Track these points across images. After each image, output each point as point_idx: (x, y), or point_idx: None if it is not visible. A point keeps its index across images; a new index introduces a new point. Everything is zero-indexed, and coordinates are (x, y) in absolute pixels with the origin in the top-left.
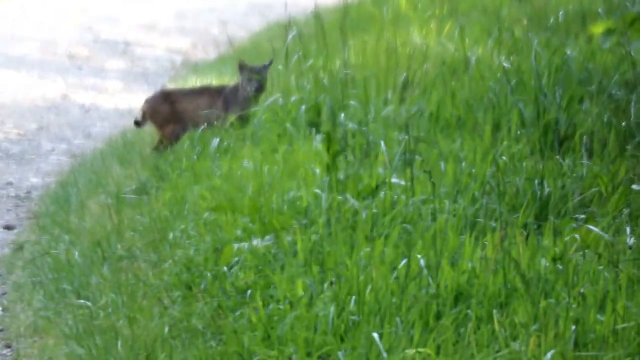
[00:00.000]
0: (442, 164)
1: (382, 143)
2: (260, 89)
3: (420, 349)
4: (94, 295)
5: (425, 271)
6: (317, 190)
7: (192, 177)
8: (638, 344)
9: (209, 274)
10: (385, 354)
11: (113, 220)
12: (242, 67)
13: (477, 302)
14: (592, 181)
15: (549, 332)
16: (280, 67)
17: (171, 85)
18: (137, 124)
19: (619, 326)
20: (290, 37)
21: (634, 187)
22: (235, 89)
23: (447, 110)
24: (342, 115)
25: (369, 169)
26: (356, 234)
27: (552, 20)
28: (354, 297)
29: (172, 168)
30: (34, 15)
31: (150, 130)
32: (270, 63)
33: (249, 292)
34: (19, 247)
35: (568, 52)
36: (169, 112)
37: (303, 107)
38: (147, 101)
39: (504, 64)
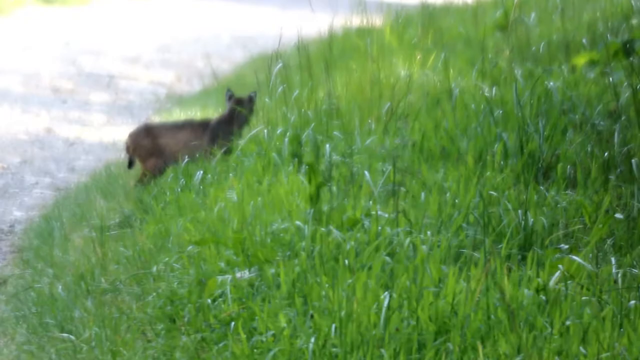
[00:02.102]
0: (427, 195)
1: (367, 174)
2: (246, 121)
3: None
4: (78, 328)
5: (407, 303)
6: (300, 223)
7: (176, 210)
8: None
9: (192, 307)
10: None
11: (97, 254)
12: (230, 98)
13: (460, 333)
14: (575, 211)
15: None
16: (266, 100)
17: (155, 118)
18: (130, 164)
19: (603, 355)
20: (276, 69)
21: (617, 216)
22: (221, 121)
23: (431, 140)
24: (327, 146)
25: (353, 201)
26: (339, 265)
27: (535, 50)
28: (335, 329)
29: (155, 201)
30: (17, 48)
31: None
32: (256, 94)
33: (232, 324)
34: (3, 282)
35: (551, 82)
36: (151, 146)
37: (287, 138)
38: (130, 135)
39: (487, 95)
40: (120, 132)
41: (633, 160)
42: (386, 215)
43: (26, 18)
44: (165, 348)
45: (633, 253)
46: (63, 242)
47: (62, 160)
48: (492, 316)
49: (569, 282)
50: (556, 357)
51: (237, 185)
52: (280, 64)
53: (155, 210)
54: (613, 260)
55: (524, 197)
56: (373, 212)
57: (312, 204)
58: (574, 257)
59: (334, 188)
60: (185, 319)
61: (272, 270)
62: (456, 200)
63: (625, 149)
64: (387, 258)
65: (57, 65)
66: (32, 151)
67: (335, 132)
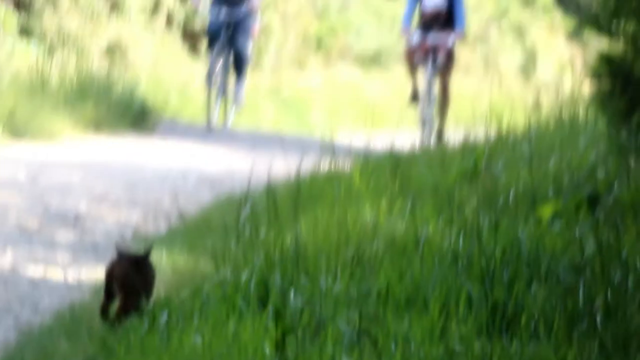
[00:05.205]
0: (392, 345)
1: (332, 321)
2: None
3: None
4: None
5: None
6: None
7: (140, 353)
8: None
9: None
10: None
11: None
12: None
13: None
14: None
15: None
16: (232, 243)
17: None
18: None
19: None
20: (244, 214)
21: None
22: None
23: (396, 288)
24: (292, 291)
25: (319, 348)
26: None
27: (502, 200)
28: None
29: (120, 343)
30: None
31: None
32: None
33: None
34: None
35: (519, 233)
36: (140, 280)
37: (253, 283)
38: (118, 265)
39: (453, 244)
40: (85, 273)
41: (598, 315)
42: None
43: None
44: None
45: None
46: None
47: (26, 300)
48: None
49: None
50: None
51: (202, 328)
52: (247, 209)
53: (119, 353)
54: None
55: (488, 349)
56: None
57: (277, 351)
58: None
59: (300, 334)
60: None
61: None
62: (421, 352)
63: (590, 303)
64: None
65: (23, 203)
66: None
67: (301, 278)
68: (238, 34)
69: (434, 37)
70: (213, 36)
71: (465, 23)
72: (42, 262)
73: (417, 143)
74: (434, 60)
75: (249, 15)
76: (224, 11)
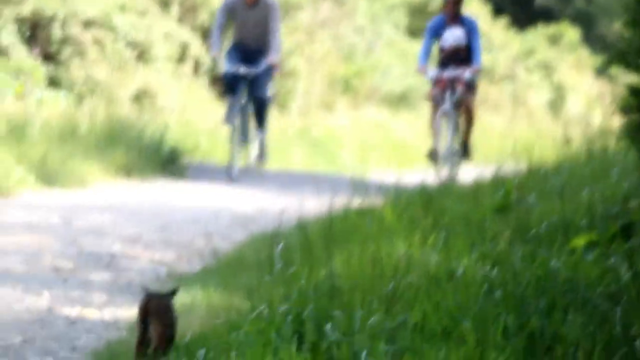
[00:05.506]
0: None
1: (366, 354)
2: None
3: None
4: None
5: None
6: None
7: None
8: None
9: None
10: None
11: None
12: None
13: None
14: None
15: None
16: (266, 278)
17: None
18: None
19: None
20: (278, 249)
21: None
22: None
23: (432, 320)
24: (328, 325)
25: None
26: None
27: (535, 231)
28: None
29: None
30: (19, 229)
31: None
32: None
33: None
34: None
35: (552, 263)
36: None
37: (289, 317)
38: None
39: (487, 275)
40: (121, 311)
41: (636, 342)
42: None
43: (27, 200)
44: None
45: None
46: None
47: (63, 339)
48: None
49: None
50: None
51: None
52: (281, 245)
53: None
54: None
55: None
56: None
57: None
58: None
59: None
60: None
61: None
62: None
63: (627, 330)
64: None
65: (58, 245)
66: (33, 330)
67: (336, 312)
68: (257, 86)
69: (451, 72)
70: (231, 84)
71: (481, 59)
72: (78, 302)
73: (434, 179)
74: (452, 93)
75: (268, 70)
76: (242, 68)
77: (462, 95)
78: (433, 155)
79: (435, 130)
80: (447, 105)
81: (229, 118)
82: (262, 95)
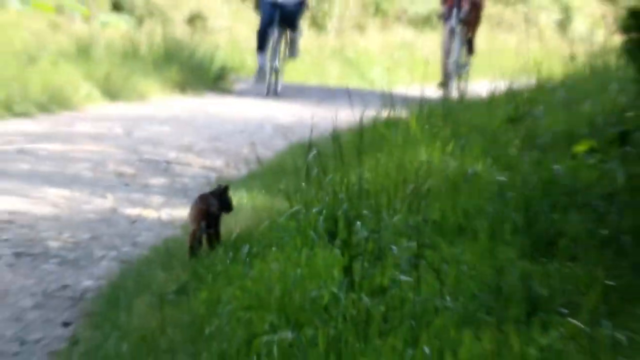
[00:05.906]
0: (446, 266)
1: (393, 248)
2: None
3: None
4: None
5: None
6: (336, 290)
7: (225, 279)
8: None
9: None
10: None
11: (157, 318)
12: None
13: None
14: (575, 282)
15: None
16: (302, 183)
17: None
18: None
19: None
20: (310, 156)
21: (608, 282)
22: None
23: (449, 219)
24: (358, 224)
25: (381, 271)
26: (370, 328)
27: (541, 140)
28: None
29: (208, 271)
30: (87, 139)
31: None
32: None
33: None
34: (75, 342)
35: (556, 167)
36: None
37: (322, 217)
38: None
39: (499, 179)
40: (177, 212)
41: (625, 238)
42: (410, 279)
43: (93, 113)
44: None
45: (622, 317)
46: (127, 308)
47: (125, 236)
48: None
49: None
50: None
51: (279, 257)
52: (314, 152)
53: (207, 280)
54: (608, 324)
55: (531, 269)
56: (397, 279)
57: (345, 274)
58: (573, 321)
59: (364, 260)
60: None
61: (311, 332)
62: (472, 272)
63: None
64: (412, 322)
65: (120, 153)
66: (99, 228)
67: (365, 211)
68: (291, 21)
69: None
70: (267, 14)
71: None
72: (139, 204)
73: (440, 96)
74: (458, 11)
75: (302, 6)
76: (276, 13)
77: (467, 15)
78: (444, 84)
79: (445, 50)
80: (453, 21)
81: (261, 49)
82: (295, 24)
